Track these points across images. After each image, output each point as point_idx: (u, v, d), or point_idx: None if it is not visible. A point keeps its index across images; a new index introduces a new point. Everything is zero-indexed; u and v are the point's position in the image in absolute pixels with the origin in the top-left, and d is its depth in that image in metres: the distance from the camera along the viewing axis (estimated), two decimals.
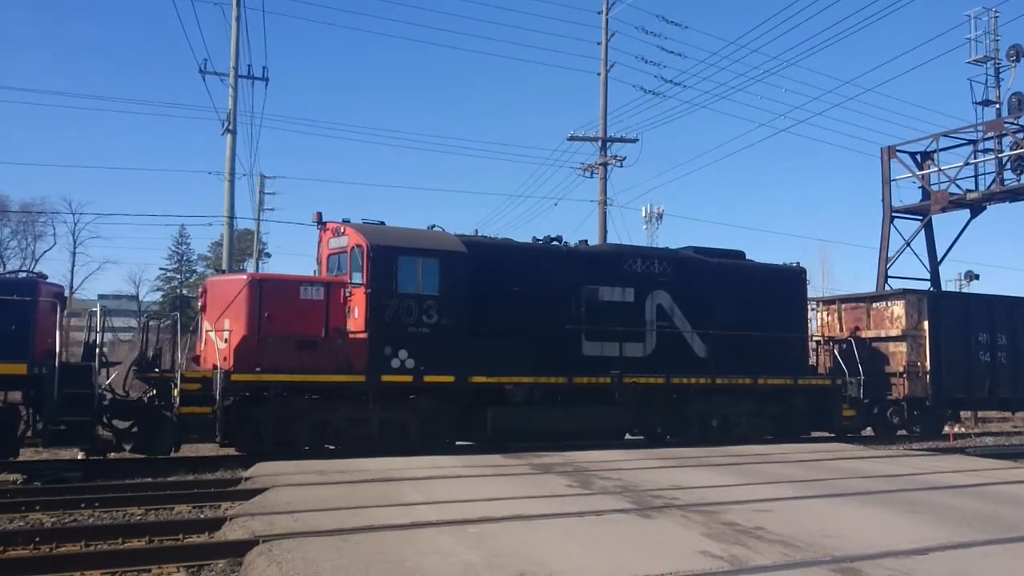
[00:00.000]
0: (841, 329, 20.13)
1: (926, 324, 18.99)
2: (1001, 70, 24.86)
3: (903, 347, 18.92)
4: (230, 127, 23.55)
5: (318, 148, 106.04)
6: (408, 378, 12.54)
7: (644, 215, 47.29)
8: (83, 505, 8.64)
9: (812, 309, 21.24)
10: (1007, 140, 23.99)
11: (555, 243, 15.31)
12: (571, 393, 14.19)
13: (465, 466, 10.68)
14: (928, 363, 18.78)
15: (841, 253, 74.87)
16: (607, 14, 29.21)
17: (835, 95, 76.74)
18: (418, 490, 8.56)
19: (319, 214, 14.10)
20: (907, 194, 26.57)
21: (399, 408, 12.75)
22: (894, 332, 19.17)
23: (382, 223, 14.14)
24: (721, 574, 5.15)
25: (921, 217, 26.27)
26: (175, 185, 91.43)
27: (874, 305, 19.86)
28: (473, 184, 77.81)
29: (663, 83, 31.07)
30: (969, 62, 25.34)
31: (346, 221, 13.46)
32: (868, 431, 18.82)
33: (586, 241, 16.24)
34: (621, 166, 28.97)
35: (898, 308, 19.25)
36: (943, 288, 27.86)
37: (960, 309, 20.04)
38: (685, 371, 15.35)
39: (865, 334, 19.59)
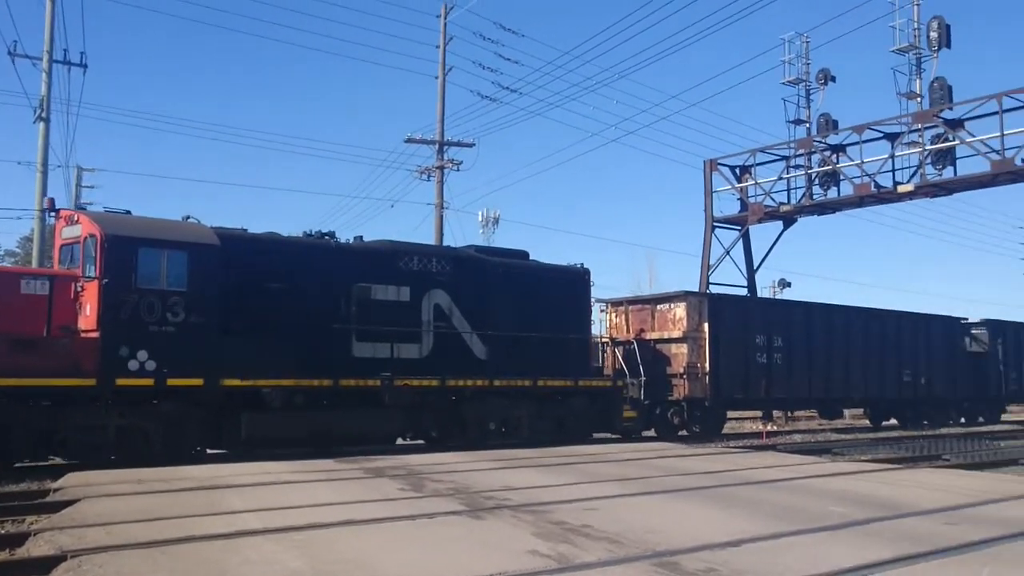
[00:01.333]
0: (628, 330, 21.75)
1: (706, 326, 20.94)
2: (811, 92, 28.37)
3: (684, 348, 20.80)
4: (43, 115, 23.41)
5: (147, 141, 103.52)
6: (148, 381, 12.48)
7: (481, 219, 49.39)
8: None
9: (601, 310, 22.79)
10: (816, 157, 27.50)
11: (326, 238, 15.77)
12: (338, 396, 14.58)
13: (294, 472, 10.87)
14: (708, 364, 20.70)
15: (668, 260, 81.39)
16: (445, 19, 30.80)
17: (662, 108, 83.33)
18: (244, 497, 8.65)
19: (51, 200, 13.85)
20: (727, 205, 30.01)
21: (139, 414, 12.62)
22: (676, 334, 20.99)
23: (128, 212, 13.81)
24: (548, 572, 5.52)
25: (739, 227, 29.67)
26: None
27: (658, 307, 21.67)
28: (310, 183, 76.94)
29: (500, 89, 32.60)
30: (783, 83, 28.72)
31: (81, 208, 13.27)
32: (652, 431, 20.57)
33: (361, 237, 16.69)
34: (458, 170, 30.60)
35: (680, 310, 21.17)
36: (759, 294, 31.19)
37: (739, 312, 22.27)
38: (463, 373, 16.11)
39: (649, 336, 21.36)
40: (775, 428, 25.37)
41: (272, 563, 5.77)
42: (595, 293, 19.58)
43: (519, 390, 16.88)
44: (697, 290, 23.56)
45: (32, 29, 59.64)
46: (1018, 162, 22.87)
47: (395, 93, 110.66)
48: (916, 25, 25.49)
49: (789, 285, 45.40)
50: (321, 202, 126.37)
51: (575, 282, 18.95)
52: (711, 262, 29.44)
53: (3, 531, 8.12)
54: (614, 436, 18.91)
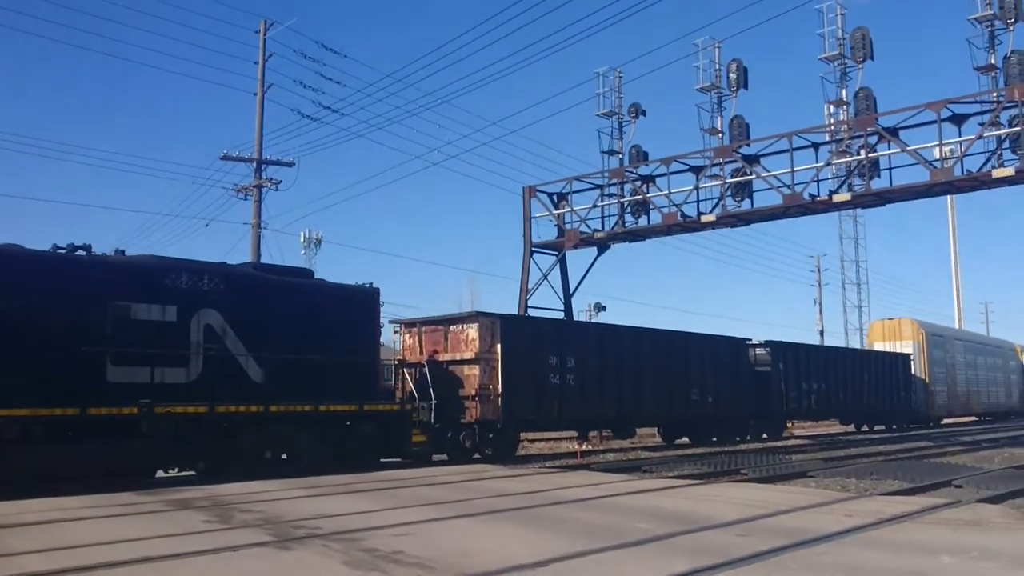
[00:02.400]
0: (422, 352, 21.72)
1: (499, 347, 21.30)
2: (624, 124, 30.16)
3: (477, 370, 21.03)
4: None
5: None
6: None
7: (303, 240, 51.17)
8: None
9: (395, 332, 23.05)
10: (628, 187, 29.44)
11: (80, 252, 14.75)
12: (89, 427, 13.60)
13: (89, 507, 10.57)
14: (500, 386, 21.08)
15: (490, 283, 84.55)
16: (265, 34, 30.58)
17: (483, 134, 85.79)
18: (29, 537, 8.34)
19: None
20: (546, 231, 31.47)
21: None
22: (468, 355, 21.20)
23: None
24: None
25: (557, 252, 31.19)
26: None
27: (451, 328, 21.83)
28: (118, 199, 71.55)
29: (321, 109, 32.93)
30: (598, 114, 30.43)
31: None
32: (443, 456, 20.89)
33: (123, 251, 15.80)
34: (277, 189, 30.70)
35: (473, 331, 21.45)
36: (576, 317, 32.66)
37: (533, 333, 22.85)
38: (237, 398, 15.51)
39: (442, 357, 21.46)
40: (590, 447, 26.42)
41: None
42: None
43: (299, 415, 16.47)
44: (504, 312, 24.17)
45: None
46: (806, 196, 25.51)
47: (212, 109, 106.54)
48: (717, 66, 27.97)
49: (604, 308, 47.86)
50: (134, 219, 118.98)
51: (363, 302, 18.79)
52: (530, 286, 30.83)
53: None
54: (405, 460, 18.95)
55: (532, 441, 29.36)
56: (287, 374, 16.53)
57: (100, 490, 12.39)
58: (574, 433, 27.65)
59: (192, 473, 15.98)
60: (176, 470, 15.89)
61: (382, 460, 18.37)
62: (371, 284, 19.15)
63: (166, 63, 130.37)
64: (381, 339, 20.29)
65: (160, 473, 15.43)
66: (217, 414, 15.23)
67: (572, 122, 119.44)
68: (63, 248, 14.68)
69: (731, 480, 15.84)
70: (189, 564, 7.10)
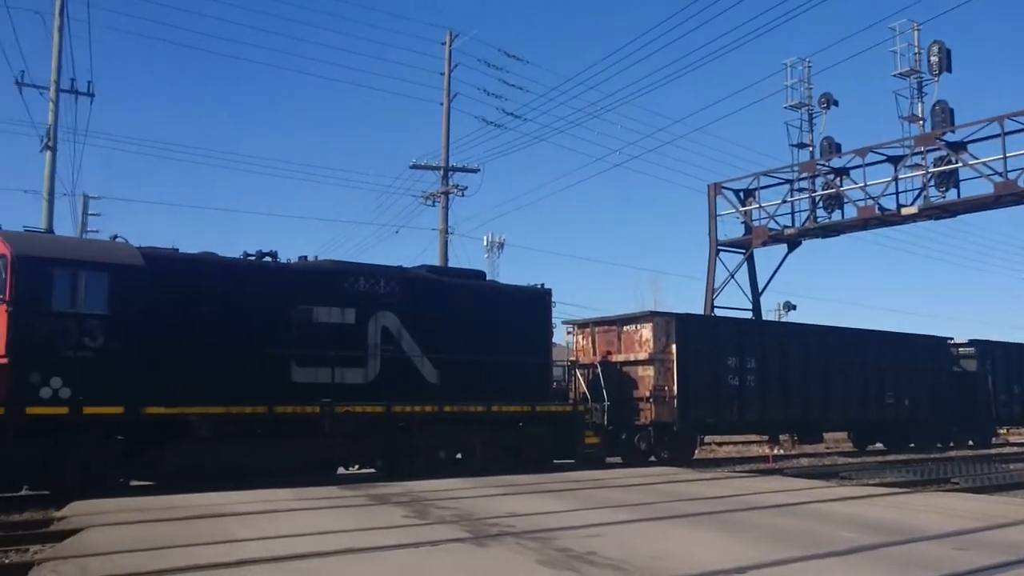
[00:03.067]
0: (594, 353, 21.76)
1: (674, 347, 21.02)
2: (814, 116, 29.73)
3: (651, 371, 20.81)
4: (50, 144, 24.33)
5: (152, 169, 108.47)
6: (63, 410, 12.18)
7: (486, 244, 52.70)
8: None
9: (568, 332, 23.22)
10: (819, 180, 28.78)
11: (267, 259, 15.64)
12: (275, 425, 14.35)
13: (297, 499, 11.22)
14: (676, 387, 20.76)
15: (673, 284, 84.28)
16: (450, 45, 31.99)
17: (666, 133, 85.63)
18: (247, 526, 8.92)
19: None
20: (732, 228, 31.31)
21: (54, 445, 12.27)
22: (642, 356, 20.99)
23: (50, 231, 13.97)
24: None
25: (744, 250, 30.95)
26: None
27: (624, 328, 21.70)
28: (313, 210, 77.28)
29: (504, 115, 33.82)
30: (786, 107, 30.06)
31: None
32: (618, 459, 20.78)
33: (305, 257, 16.55)
34: (463, 195, 31.94)
35: (647, 331, 21.20)
36: (764, 317, 32.39)
37: (709, 333, 22.34)
38: (412, 398, 15.93)
39: (615, 358, 21.40)
40: (782, 452, 25.77)
41: None
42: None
43: (472, 416, 16.76)
44: (702, 313, 23.77)
45: (39, 59, 60.37)
46: (1021, 183, 23.77)
47: (402, 120, 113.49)
48: (917, 50, 26.82)
49: (794, 308, 46.81)
50: (328, 229, 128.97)
51: (535, 303, 18.90)
52: (715, 286, 30.73)
53: (6, 560, 8.51)
54: (618, 462, 19.25)
55: (719, 444, 28.78)
56: (460, 375, 16.86)
57: (303, 484, 13.23)
58: (764, 437, 26.91)
59: (372, 471, 16.59)
60: (356, 467, 16.56)
61: (555, 461, 18.40)
62: (543, 285, 19.26)
63: (359, 79, 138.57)
64: (554, 340, 20.43)
65: (340, 470, 16.10)
66: (393, 414, 15.73)
67: (758, 117, 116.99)
68: (252, 255, 15.62)
69: (940, 489, 14.94)
70: (392, 557, 7.39)
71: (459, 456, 16.93)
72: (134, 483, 13.60)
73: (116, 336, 12.78)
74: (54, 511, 10.84)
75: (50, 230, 13.71)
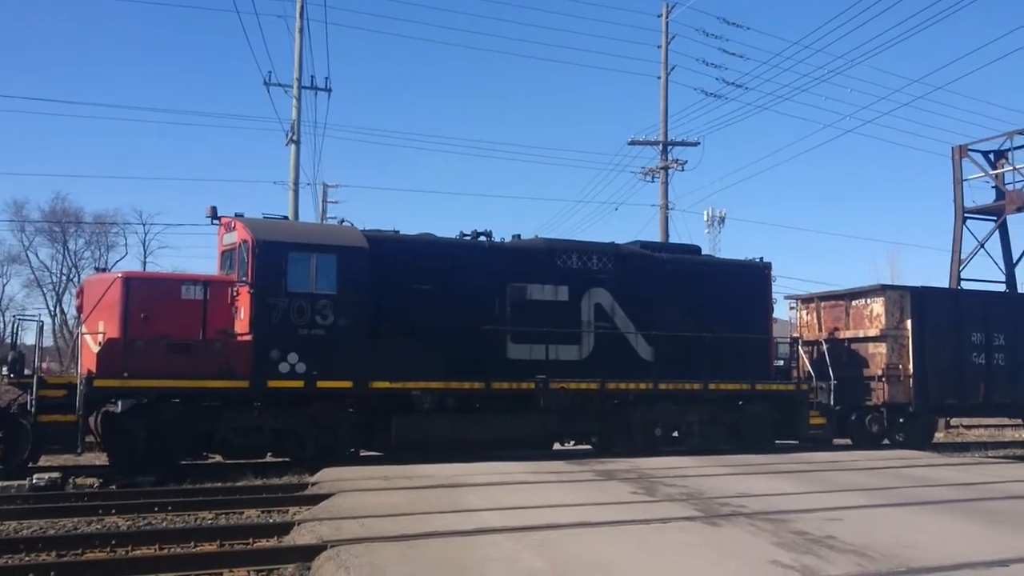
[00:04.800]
0: (820, 329, 20.82)
1: (909, 323, 19.72)
2: None
3: (883, 348, 19.66)
4: (294, 137, 26.69)
5: (378, 156, 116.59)
6: (299, 383, 13.18)
7: (706, 219, 52.96)
8: (156, 509, 9.89)
9: (791, 307, 22.39)
10: None
11: (482, 238, 16.15)
12: (491, 400, 14.87)
13: (528, 472, 11.89)
14: (911, 366, 19.46)
15: (913, 255, 78.96)
16: (667, 17, 32.03)
17: (903, 94, 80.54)
18: (482, 496, 9.56)
19: (213, 208, 14.89)
20: (980, 194, 29.42)
21: (292, 416, 13.39)
22: (873, 332, 19.84)
23: (285, 218, 15.11)
24: None
25: (995, 218, 28.92)
26: (242, 195, 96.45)
27: (853, 303, 20.56)
28: (534, 190, 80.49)
29: (724, 85, 33.45)
30: None
31: (239, 216, 14.25)
32: (846, 440, 19.79)
33: (519, 236, 16.92)
34: (683, 170, 31.88)
35: (877, 306, 19.99)
36: (1020, 291, 29.80)
37: (950, 306, 20.72)
38: (626, 375, 15.98)
39: (843, 334, 20.34)
40: None
41: (513, 561, 6.27)
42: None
43: (688, 394, 16.58)
44: (947, 286, 22.36)
45: (282, 59, 67.16)
46: None
47: (618, 95, 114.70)
48: None
49: None
50: (547, 208, 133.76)
51: (754, 278, 18.43)
52: (962, 256, 28.93)
53: (271, 520, 9.36)
54: (848, 444, 18.73)
55: (968, 428, 26.82)
56: (675, 352, 16.72)
57: (530, 458, 13.84)
58: (1018, 420, 24.75)
59: (587, 447, 16.80)
60: (571, 443, 16.81)
61: (777, 442, 17.83)
62: (762, 259, 18.66)
63: (576, 57, 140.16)
64: (776, 316, 19.74)
65: (556, 445, 16.40)
66: (608, 390, 15.82)
67: (1011, 70, 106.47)
68: (467, 235, 16.15)
69: None
70: (623, 532, 7.53)
71: (675, 434, 16.82)
72: (363, 453, 14.57)
73: (344, 314, 13.66)
74: (308, 476, 11.90)
75: (287, 217, 14.68)
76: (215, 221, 14.76)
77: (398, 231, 15.58)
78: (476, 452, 14.16)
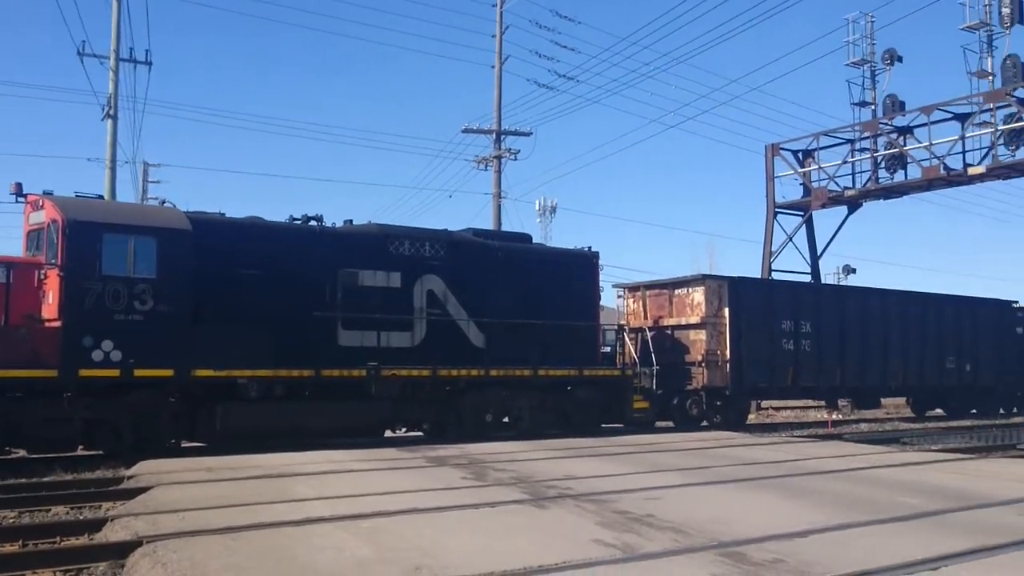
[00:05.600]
0: (645, 316, 21.62)
1: (726, 311, 20.83)
2: (877, 73, 29.12)
3: (703, 335, 20.69)
4: (111, 112, 25.18)
5: (205, 136, 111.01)
6: (114, 372, 12.46)
7: (538, 208, 53.75)
8: None
9: (619, 296, 23.13)
10: (882, 140, 28.27)
11: (313, 223, 15.74)
12: (322, 387, 14.56)
13: (359, 460, 11.71)
14: (728, 351, 20.64)
15: (730, 247, 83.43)
16: (501, 7, 31.84)
17: (722, 93, 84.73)
18: (311, 486, 9.35)
19: (18, 185, 13.78)
20: (790, 190, 31.07)
21: (106, 407, 12.63)
22: (694, 319, 20.84)
23: (100, 197, 14.20)
24: (613, 562, 5.82)
25: (802, 213, 30.61)
26: (52, 172, 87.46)
27: (676, 292, 21.48)
28: (367, 175, 78.30)
29: (556, 77, 33.89)
30: (847, 64, 29.53)
31: (47, 194, 13.21)
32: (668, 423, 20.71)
33: (351, 221, 16.59)
34: (515, 159, 32.08)
35: (698, 294, 20.98)
36: (823, 281, 32.07)
37: (763, 296, 22.05)
38: (459, 362, 16.07)
39: (667, 322, 21.24)
40: (840, 417, 25.62)
41: (341, 549, 6.20)
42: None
43: (519, 380, 16.84)
44: (742, 276, 23.59)
45: (99, 29, 61.37)
46: None
47: (455, 83, 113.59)
48: (987, 1, 25.99)
49: (854, 271, 46.74)
50: (381, 194, 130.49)
51: (582, 266, 18.89)
52: (773, 249, 30.54)
53: (82, 516, 8.84)
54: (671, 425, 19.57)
55: (776, 410, 28.68)
56: (507, 339, 16.90)
57: (362, 446, 13.69)
58: (821, 402, 26.72)
59: (418, 434, 16.82)
60: (403, 430, 16.77)
61: (603, 426, 18.46)
62: (590, 248, 19.17)
63: (410, 42, 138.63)
64: (606, 304, 20.41)
65: (388, 432, 16.31)
66: (440, 377, 15.85)
67: (818, 75, 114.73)
68: (297, 219, 15.75)
69: (1005, 456, 14.79)
70: (452, 517, 7.57)
71: (506, 419, 17.07)
72: (185, 444, 13.98)
73: (165, 299, 13.01)
74: (124, 469, 11.26)
75: (102, 196, 13.81)
76: (20, 199, 13.70)
77: (224, 214, 14.96)
78: (307, 441, 13.84)
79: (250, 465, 10.98)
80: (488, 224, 31.18)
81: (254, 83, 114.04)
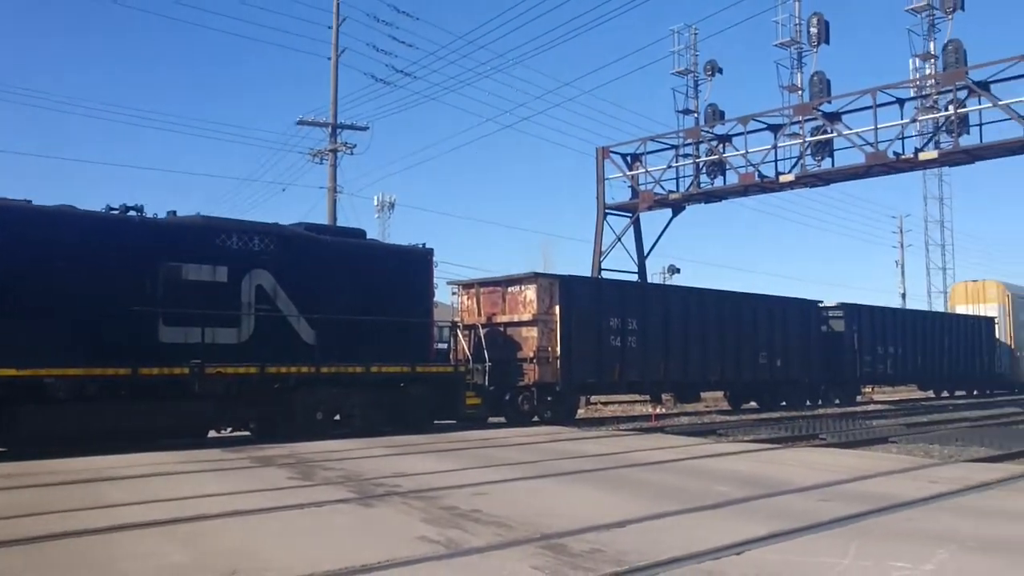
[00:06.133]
0: (479, 313, 21.73)
1: (557, 309, 21.27)
2: (700, 82, 30.49)
3: (535, 332, 21.00)
4: None
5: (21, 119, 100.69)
6: None
7: (376, 204, 54.22)
8: None
9: (453, 293, 23.21)
10: (703, 147, 29.59)
11: (132, 213, 14.97)
12: (141, 387, 13.86)
13: (180, 462, 11.27)
14: (559, 348, 21.04)
15: (564, 247, 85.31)
16: None
17: (556, 95, 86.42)
18: (126, 490, 8.99)
19: None
20: (620, 192, 32.11)
21: None
22: (526, 317, 21.12)
23: None
24: (436, 558, 5.80)
25: (631, 214, 31.72)
26: None
27: (509, 289, 21.72)
28: (198, 166, 74.03)
29: (394, 72, 33.99)
30: (673, 73, 30.79)
31: None
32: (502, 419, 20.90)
33: (175, 212, 15.86)
34: (351, 153, 31.88)
35: (531, 292, 21.30)
36: (649, 280, 33.15)
37: (592, 294, 22.64)
38: (288, 359, 15.67)
39: (500, 319, 21.43)
40: (664, 411, 26.57)
41: (153, 556, 5.97)
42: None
43: (351, 377, 16.62)
44: (574, 274, 24.17)
45: None
46: (890, 154, 25.05)
47: (289, 74, 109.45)
48: (797, 21, 27.78)
49: (679, 271, 48.87)
50: (214, 184, 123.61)
51: (417, 263, 18.81)
52: (603, 248, 31.45)
53: None
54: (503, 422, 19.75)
55: (604, 404, 29.49)
56: (339, 335, 16.61)
57: (187, 447, 13.16)
58: (647, 397, 27.74)
59: (247, 433, 16.28)
60: (229, 430, 16.17)
61: (436, 422, 18.49)
62: (424, 245, 19.16)
63: (248, 31, 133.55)
64: (440, 300, 20.45)
65: (212, 433, 15.69)
66: (268, 375, 15.40)
67: (647, 81, 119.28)
68: (115, 209, 14.91)
69: (809, 445, 15.71)
70: (276, 519, 7.39)
71: (337, 417, 16.81)
72: None
73: None
74: None
75: None
76: None
77: (30, 201, 13.95)
78: (124, 443, 13.12)
79: (57, 471, 10.36)
80: (324, 219, 30.72)
81: (78, 68, 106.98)
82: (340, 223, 29.85)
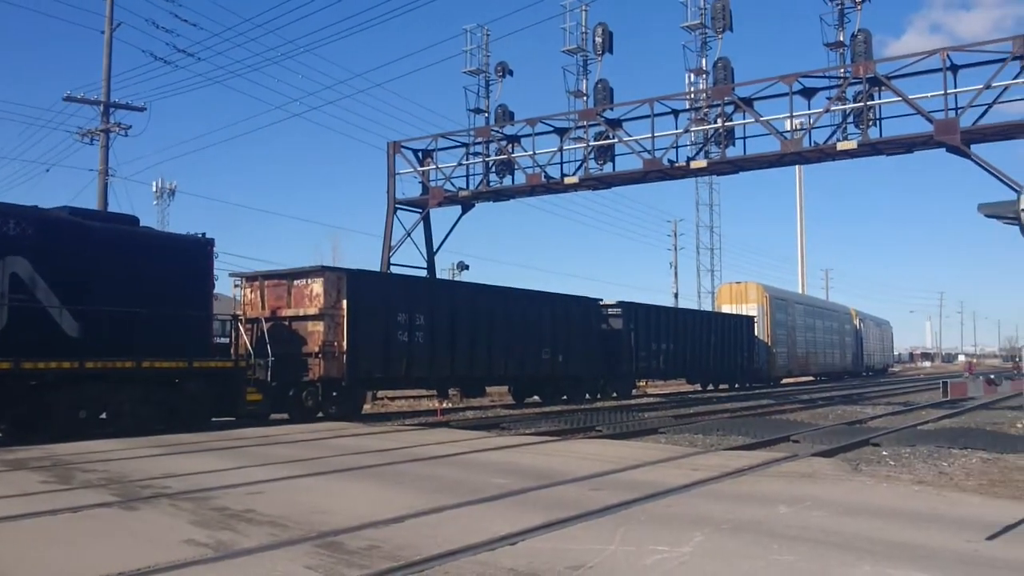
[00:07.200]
0: (263, 307, 21.08)
1: (345, 303, 20.98)
2: (491, 83, 30.47)
3: (321, 326, 20.58)
4: None
5: None
6: None
7: (155, 190, 51.74)
8: None
9: (236, 285, 22.37)
10: (493, 146, 29.74)
11: None
12: None
13: None
14: (345, 343, 20.78)
15: (354, 240, 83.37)
16: None
17: (347, 86, 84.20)
18: None
19: None
20: (411, 188, 31.76)
21: None
22: (313, 311, 20.67)
23: None
24: (204, 561, 5.49)
25: (421, 210, 31.41)
26: None
27: (295, 282, 21.16)
28: None
29: (175, 52, 32.46)
30: (465, 72, 30.57)
31: None
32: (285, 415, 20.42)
33: None
34: (126, 135, 30.08)
35: (317, 286, 20.89)
36: (438, 276, 33.01)
37: (380, 289, 22.53)
38: (48, 353, 14.57)
39: (285, 312, 20.83)
40: (450, 405, 26.68)
41: None
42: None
43: (120, 373, 15.65)
44: (362, 268, 23.79)
45: None
46: (665, 162, 26.38)
47: (56, 44, 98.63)
48: (584, 29, 28.52)
49: (467, 268, 49.24)
50: None
51: (196, 253, 18.00)
52: (393, 243, 31.13)
53: None
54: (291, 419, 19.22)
55: (392, 399, 29.30)
56: (109, 328, 15.61)
57: None
58: (434, 391, 27.84)
59: None
60: None
61: (214, 419, 17.75)
62: (204, 234, 18.31)
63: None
64: (222, 293, 19.57)
65: None
66: (23, 370, 14.23)
67: (440, 78, 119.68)
68: None
69: (586, 437, 16.25)
70: (22, 527, 6.85)
71: (103, 416, 15.74)
72: None
73: None
74: None
75: None
76: None
77: None
78: None
79: None
80: (94, 203, 28.69)
81: None
82: (113, 209, 28.05)
